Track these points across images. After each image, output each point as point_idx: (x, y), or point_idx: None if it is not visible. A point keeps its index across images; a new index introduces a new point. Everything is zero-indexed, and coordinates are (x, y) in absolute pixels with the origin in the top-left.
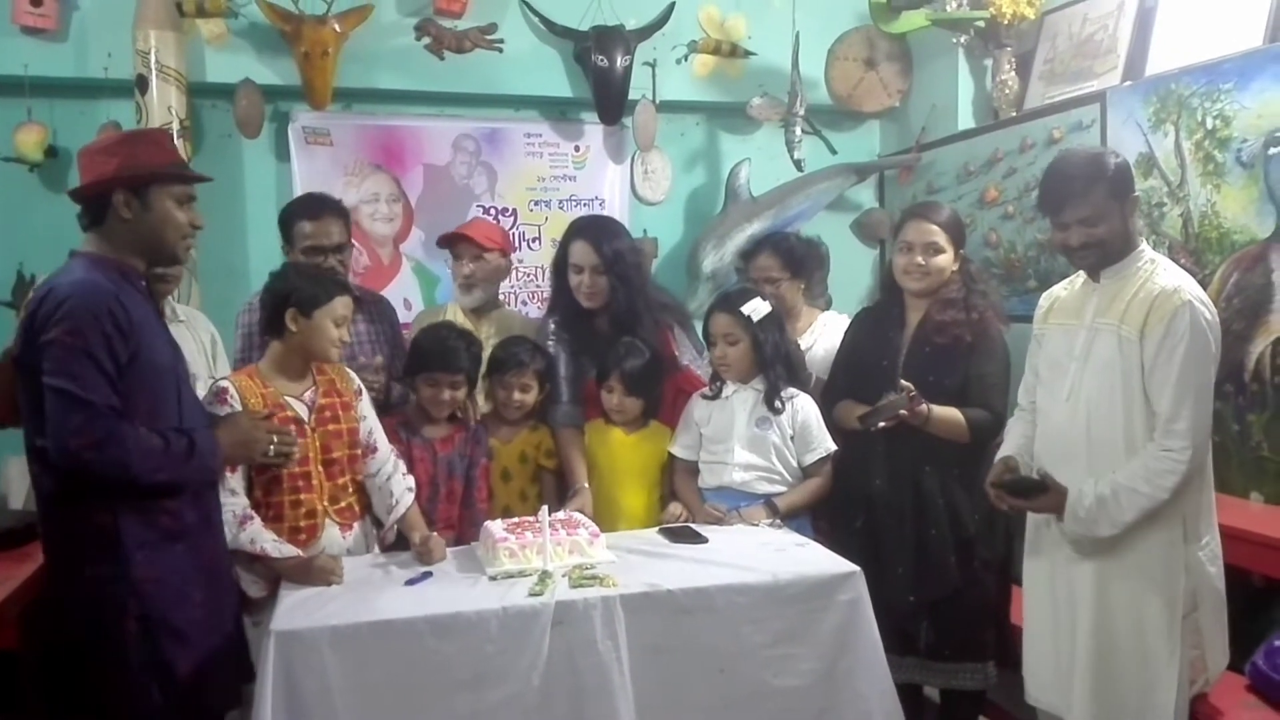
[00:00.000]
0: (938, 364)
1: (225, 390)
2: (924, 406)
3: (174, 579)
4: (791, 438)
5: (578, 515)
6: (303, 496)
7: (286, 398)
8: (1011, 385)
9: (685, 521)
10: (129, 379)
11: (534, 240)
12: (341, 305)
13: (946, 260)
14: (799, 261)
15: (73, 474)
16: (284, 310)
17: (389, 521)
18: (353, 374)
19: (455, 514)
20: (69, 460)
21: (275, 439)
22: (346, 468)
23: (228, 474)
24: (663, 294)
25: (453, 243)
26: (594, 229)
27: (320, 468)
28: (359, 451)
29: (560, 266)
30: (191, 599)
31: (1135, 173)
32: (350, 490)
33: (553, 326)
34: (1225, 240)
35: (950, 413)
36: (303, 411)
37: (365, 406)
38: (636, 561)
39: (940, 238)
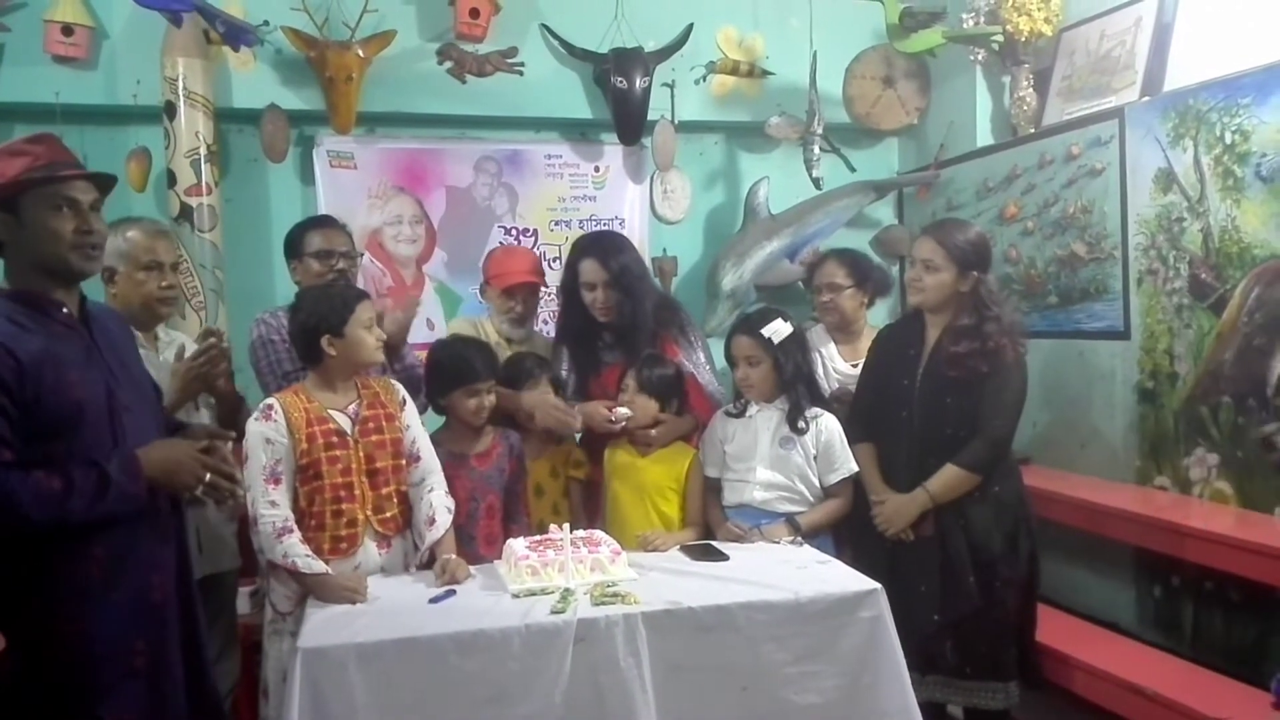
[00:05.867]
0: (954, 387)
1: (271, 407)
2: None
3: (108, 630)
4: (815, 457)
5: (599, 534)
6: (344, 506)
7: (330, 411)
8: (1030, 403)
9: (659, 548)
10: (34, 425)
11: (555, 260)
12: (364, 310)
13: (941, 280)
14: (864, 272)
15: None
16: (317, 338)
17: (427, 541)
18: (397, 385)
19: (497, 529)
20: None
21: (208, 476)
22: (391, 478)
23: (269, 486)
24: (669, 305)
25: (516, 286)
26: (599, 246)
27: (364, 478)
28: (403, 461)
29: (569, 287)
30: (131, 648)
31: (1155, 188)
32: (395, 501)
33: (566, 355)
34: (1246, 255)
35: (949, 477)
36: (345, 424)
37: (410, 416)
38: (658, 579)
39: (938, 256)
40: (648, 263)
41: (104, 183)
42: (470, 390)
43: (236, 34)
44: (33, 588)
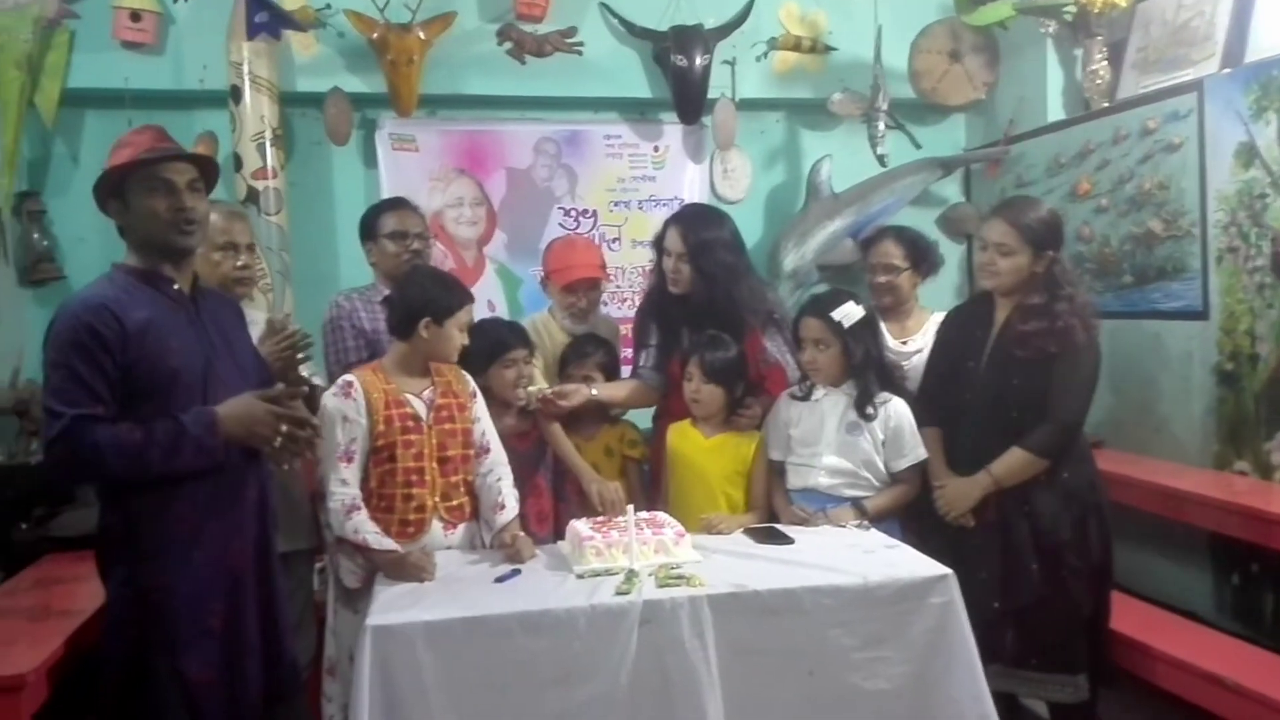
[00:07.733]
0: (1021, 369)
1: (350, 384)
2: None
3: (188, 588)
4: (883, 443)
5: (662, 515)
6: (415, 491)
7: (406, 394)
8: (1103, 385)
9: (723, 530)
10: (132, 385)
11: (614, 241)
12: (466, 313)
13: (1017, 263)
14: (921, 253)
15: (59, 480)
16: (418, 318)
17: (495, 525)
18: (467, 376)
19: (545, 507)
20: (50, 470)
21: (285, 428)
22: (460, 466)
23: (341, 465)
24: (760, 296)
25: (577, 281)
26: (688, 217)
27: (435, 464)
28: (472, 452)
29: (659, 247)
30: (209, 608)
31: (1235, 163)
32: (463, 490)
33: (646, 303)
34: None
35: (1013, 461)
36: (421, 409)
37: (480, 409)
38: (722, 561)
39: (1011, 239)
40: None
41: (205, 165)
42: (506, 362)
43: (269, 24)
44: (125, 544)
